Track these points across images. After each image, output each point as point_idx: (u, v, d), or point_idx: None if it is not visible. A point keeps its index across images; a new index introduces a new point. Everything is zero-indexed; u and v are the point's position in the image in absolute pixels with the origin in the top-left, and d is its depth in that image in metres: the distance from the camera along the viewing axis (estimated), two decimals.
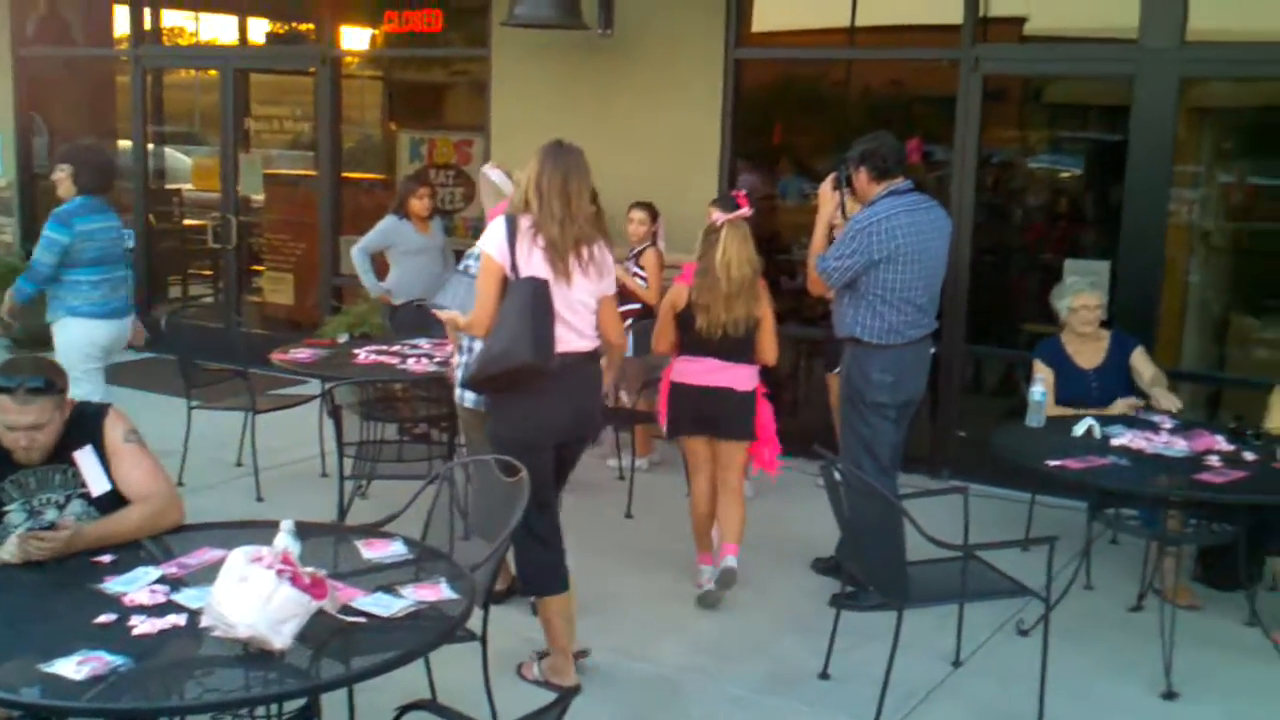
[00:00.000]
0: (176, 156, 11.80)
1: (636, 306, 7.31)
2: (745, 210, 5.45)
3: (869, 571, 4.70)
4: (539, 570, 4.65)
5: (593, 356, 4.56)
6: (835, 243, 5.31)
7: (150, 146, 10.92)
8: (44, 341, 10.36)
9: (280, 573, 2.99)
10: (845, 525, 4.57)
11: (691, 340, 5.48)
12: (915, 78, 8.01)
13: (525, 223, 4.38)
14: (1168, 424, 5.42)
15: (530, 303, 4.30)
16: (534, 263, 4.34)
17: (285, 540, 3.16)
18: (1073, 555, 5.55)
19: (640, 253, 7.34)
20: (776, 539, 6.29)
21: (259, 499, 6.78)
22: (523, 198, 4.44)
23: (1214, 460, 4.94)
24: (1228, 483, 4.69)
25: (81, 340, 6.56)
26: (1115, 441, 5.15)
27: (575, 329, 4.44)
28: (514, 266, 4.35)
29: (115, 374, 9.58)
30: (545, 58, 8.37)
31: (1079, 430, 5.27)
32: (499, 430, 4.50)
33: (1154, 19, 6.69)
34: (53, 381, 3.67)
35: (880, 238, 5.15)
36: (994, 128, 7.74)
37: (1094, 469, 4.82)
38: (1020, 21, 7.49)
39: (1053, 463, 4.86)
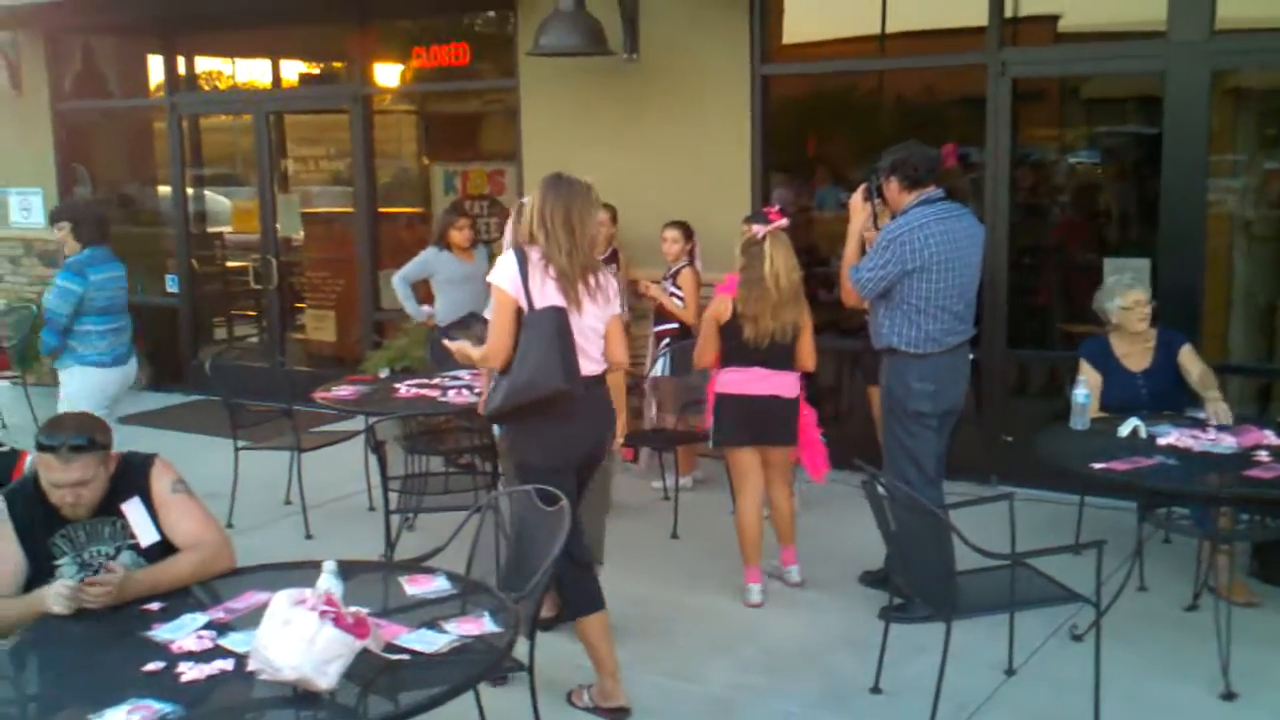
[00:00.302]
0: (217, 199, 11.98)
1: (674, 326, 7.33)
2: (783, 221, 5.62)
3: (916, 584, 4.67)
4: (575, 592, 4.69)
5: (602, 379, 4.67)
6: (868, 253, 5.30)
7: (190, 191, 11.08)
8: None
9: (323, 614, 3.02)
10: (890, 539, 4.55)
11: (736, 351, 5.62)
12: (946, 81, 7.99)
13: (535, 255, 4.47)
14: (1215, 420, 5.35)
15: (555, 331, 4.41)
16: (548, 293, 4.44)
17: (328, 581, 3.18)
18: (1125, 557, 5.49)
19: (677, 272, 7.35)
20: (824, 552, 6.27)
21: (308, 536, 6.84)
22: (528, 230, 4.53)
23: (1263, 455, 4.88)
24: (1277, 478, 4.62)
25: (93, 388, 6.77)
26: (1162, 441, 5.10)
27: (588, 355, 4.56)
28: (528, 298, 4.43)
29: (165, 419, 9.82)
30: (572, 85, 8.42)
31: (1124, 431, 5.22)
32: (527, 458, 4.57)
33: (1182, 11, 6.62)
34: (95, 439, 3.73)
35: (913, 247, 5.14)
36: (1028, 127, 7.73)
37: (1141, 470, 4.77)
38: (1048, 20, 7.46)
39: (1098, 465, 4.82)
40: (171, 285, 10.97)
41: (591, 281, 4.52)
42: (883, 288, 5.26)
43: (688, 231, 7.42)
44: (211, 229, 11.73)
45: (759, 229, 5.60)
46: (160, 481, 3.91)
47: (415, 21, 9.90)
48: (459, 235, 7.91)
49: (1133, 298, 5.84)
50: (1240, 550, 5.73)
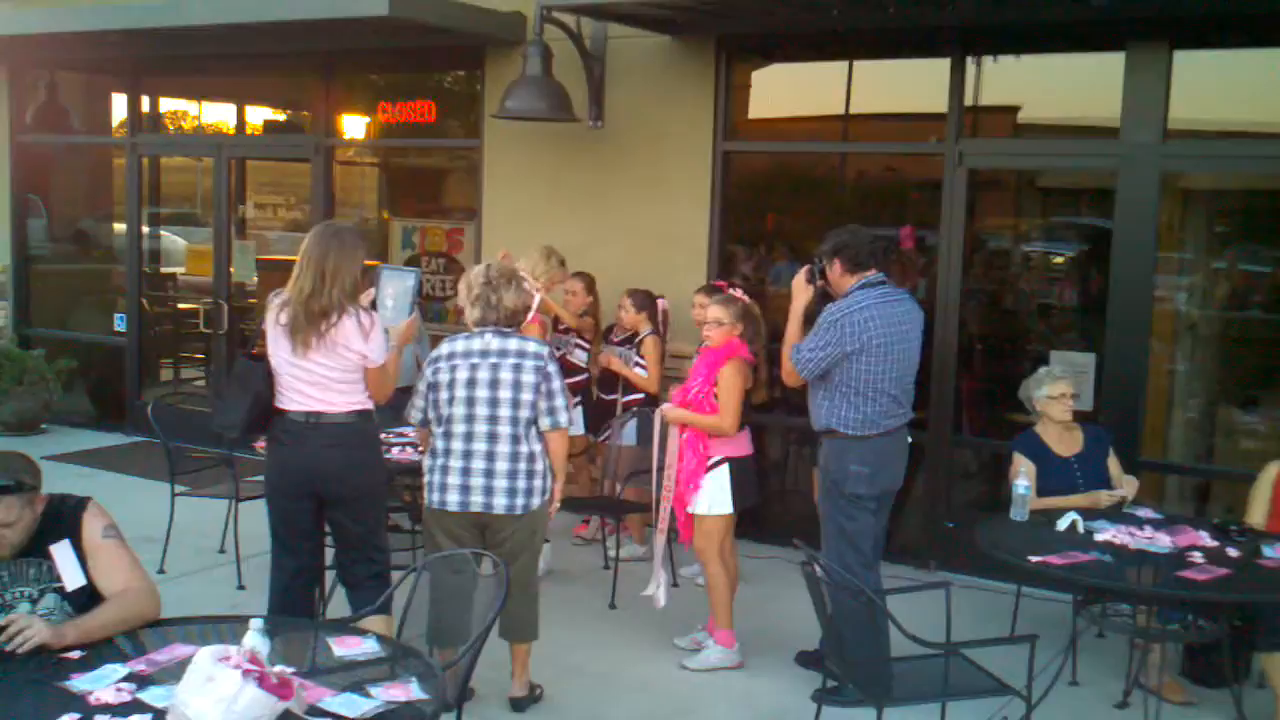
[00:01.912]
0: (173, 240, 11.90)
1: (639, 396, 7.31)
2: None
3: (849, 668, 4.65)
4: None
5: (351, 416, 4.99)
6: (810, 334, 5.35)
7: (146, 230, 11.00)
8: (32, 424, 10.51)
9: (247, 673, 2.97)
10: (825, 621, 4.53)
11: (746, 414, 5.84)
12: (907, 163, 8.10)
13: (277, 300, 4.99)
14: (1151, 518, 5.41)
15: (237, 375, 5.16)
16: (276, 336, 4.94)
17: (254, 639, 3.13)
18: (1059, 649, 5.50)
19: (640, 341, 7.34)
20: (761, 629, 6.24)
21: (240, 586, 6.73)
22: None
23: (1197, 557, 4.91)
24: (1210, 580, 4.66)
25: None
26: (1099, 537, 5.13)
27: (320, 393, 4.93)
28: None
29: (104, 459, 9.67)
30: (536, 148, 8.48)
31: (1063, 525, 5.26)
32: (266, 479, 5.19)
33: (1135, 112, 6.77)
34: (21, 481, 3.66)
35: (853, 329, 5.21)
36: (983, 214, 7.83)
37: (1077, 565, 4.80)
38: (1008, 110, 7.60)
39: (1035, 559, 4.84)
40: (119, 324, 10.83)
41: (323, 326, 4.82)
42: (822, 368, 5.31)
43: (651, 299, 7.41)
44: (166, 269, 11.65)
45: (741, 297, 5.94)
46: (92, 526, 3.83)
47: (382, 76, 9.96)
48: None
49: (1059, 389, 5.94)
50: (1174, 650, 5.77)
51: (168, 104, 11.25)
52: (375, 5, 7.54)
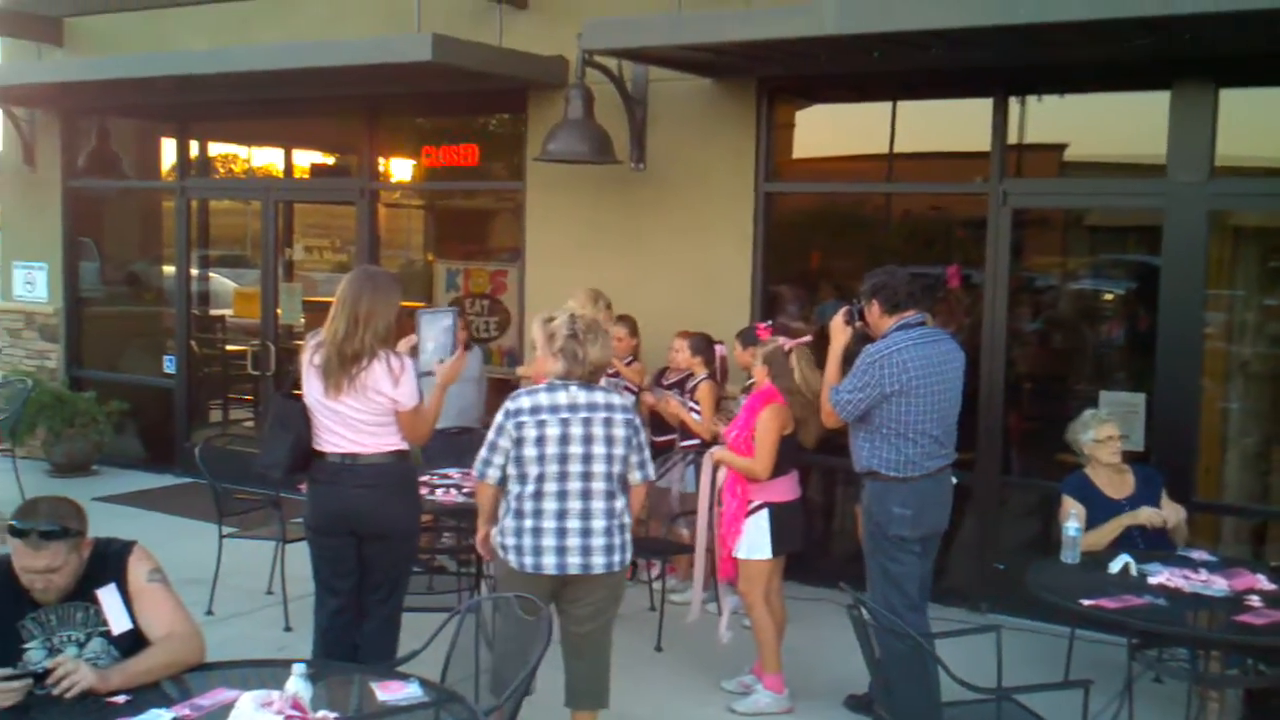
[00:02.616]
0: (222, 282, 12.03)
1: (695, 441, 7.24)
2: (807, 338, 5.93)
3: (898, 713, 4.58)
4: None
5: (388, 457, 5.05)
6: (848, 375, 5.33)
7: (195, 272, 11.16)
8: (83, 466, 10.63)
9: (289, 719, 2.96)
10: (874, 666, 4.47)
11: (785, 457, 5.76)
12: (952, 203, 8.06)
13: (313, 342, 5.05)
14: (1206, 560, 5.31)
15: (277, 417, 5.19)
16: (309, 378, 5.00)
17: (296, 684, 3.14)
18: (1116, 693, 5.40)
19: (695, 386, 7.30)
20: (809, 673, 6.17)
21: (287, 628, 6.75)
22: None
23: (1255, 600, 4.82)
24: (1268, 625, 4.57)
25: None
26: (1153, 580, 5.05)
27: (355, 434, 4.99)
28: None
29: (153, 500, 9.75)
30: (578, 191, 8.51)
31: (1115, 567, 5.18)
32: (306, 518, 5.23)
33: (1182, 150, 6.71)
34: (67, 526, 3.69)
35: (891, 370, 5.19)
36: (1030, 253, 7.78)
37: (1130, 608, 4.72)
38: (1054, 148, 7.56)
39: (1088, 602, 4.77)
40: (169, 366, 10.95)
41: (354, 370, 4.88)
42: (861, 410, 5.29)
43: (704, 342, 7.38)
44: (215, 311, 11.77)
45: (785, 341, 5.81)
46: (137, 569, 3.86)
47: (426, 120, 10.06)
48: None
49: (1105, 432, 5.87)
50: (1234, 695, 5.65)
51: (216, 148, 11.40)
52: (418, 51, 7.62)
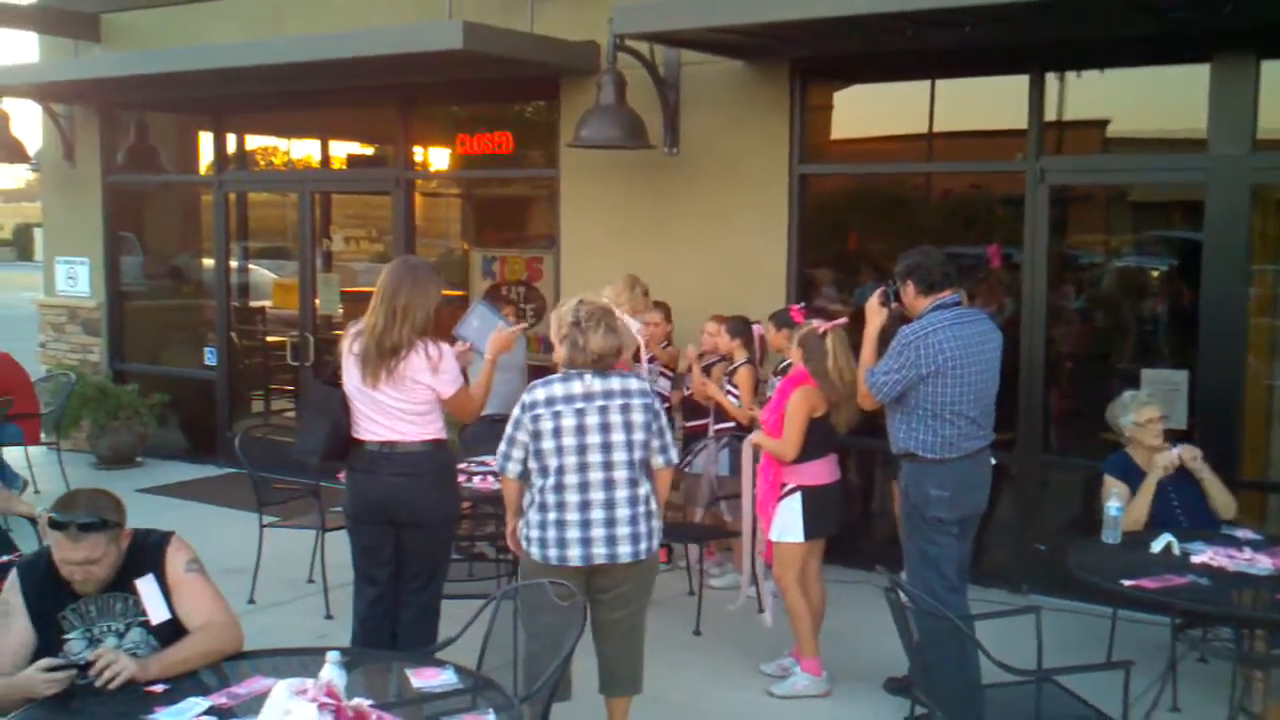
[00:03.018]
0: (263, 273, 12.11)
1: (730, 424, 7.23)
2: (843, 320, 5.84)
3: (938, 696, 4.55)
4: None
5: (427, 445, 5.11)
6: (884, 356, 5.29)
7: (235, 265, 11.25)
8: (128, 458, 10.74)
9: (323, 706, 2.98)
10: (911, 648, 4.44)
11: (820, 441, 5.70)
12: (992, 181, 7.96)
13: (354, 329, 5.12)
14: (1250, 538, 5.24)
15: (316, 403, 5.32)
16: (349, 366, 5.07)
17: (330, 671, 3.15)
18: (1160, 674, 5.35)
19: (735, 369, 7.25)
20: (849, 656, 6.16)
21: (328, 616, 6.79)
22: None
23: None
24: None
25: None
26: (1195, 559, 4.99)
27: (393, 422, 5.05)
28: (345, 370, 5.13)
29: (196, 490, 9.85)
30: (612, 176, 8.49)
31: (1157, 546, 5.12)
32: (345, 506, 5.28)
33: (1223, 124, 6.62)
34: (106, 518, 3.72)
35: (927, 351, 5.14)
36: (1071, 230, 7.69)
37: (1172, 588, 4.67)
38: (1097, 124, 7.46)
39: (1128, 582, 4.72)
40: (210, 358, 11.05)
41: (392, 362, 4.94)
42: (898, 391, 5.25)
43: (743, 325, 7.34)
44: (255, 303, 11.85)
45: (820, 324, 5.74)
46: (175, 560, 3.90)
47: (460, 108, 10.07)
48: None
49: (1146, 414, 5.79)
50: (1278, 675, 5.57)
51: (252, 143, 11.46)
52: (449, 39, 7.63)
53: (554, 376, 4.69)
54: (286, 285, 10.97)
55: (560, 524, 4.60)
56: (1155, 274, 7.85)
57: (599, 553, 4.59)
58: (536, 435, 4.60)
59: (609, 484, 4.60)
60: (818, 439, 5.69)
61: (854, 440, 7.38)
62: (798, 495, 5.69)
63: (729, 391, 7.19)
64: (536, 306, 9.35)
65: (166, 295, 12.08)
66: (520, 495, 4.77)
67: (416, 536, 5.16)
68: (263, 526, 7.15)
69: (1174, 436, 6.03)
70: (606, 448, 4.59)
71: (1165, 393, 6.80)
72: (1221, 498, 5.67)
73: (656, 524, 4.74)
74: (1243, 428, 6.82)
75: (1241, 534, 5.36)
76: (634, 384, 4.70)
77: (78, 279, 11.60)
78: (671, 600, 7.13)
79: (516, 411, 4.66)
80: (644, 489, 4.68)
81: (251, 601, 7.01)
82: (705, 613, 6.75)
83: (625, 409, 4.62)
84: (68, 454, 10.43)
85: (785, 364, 7.04)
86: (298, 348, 10.39)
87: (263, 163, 11.72)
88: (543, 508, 4.64)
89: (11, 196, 58.34)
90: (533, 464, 4.65)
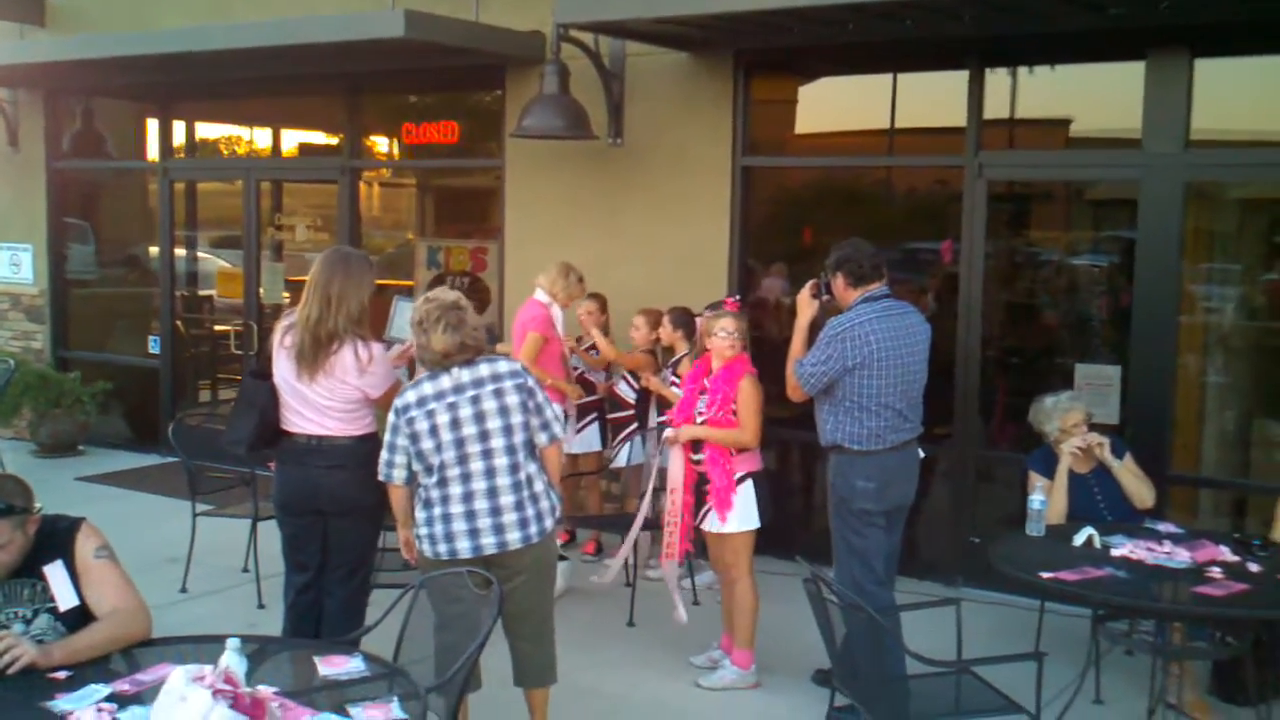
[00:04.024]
0: (217, 262, 12.00)
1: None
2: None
3: (859, 689, 4.57)
4: None
5: (351, 439, 5.09)
6: (812, 348, 5.30)
7: (183, 253, 11.16)
8: (69, 446, 10.63)
9: (219, 693, 2.96)
10: (829, 641, 4.45)
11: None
12: (934, 176, 7.97)
13: (286, 322, 5.13)
14: (1172, 532, 5.29)
15: (244, 395, 5.32)
16: (280, 360, 5.08)
17: (230, 658, 3.12)
18: (1089, 664, 5.40)
19: (678, 361, 7.18)
20: (780, 647, 6.17)
21: (260, 605, 6.75)
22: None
23: (1216, 572, 4.80)
24: (1228, 595, 4.55)
25: None
26: (1115, 552, 5.03)
27: (321, 417, 5.05)
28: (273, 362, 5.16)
29: (137, 480, 9.76)
30: (557, 167, 8.48)
31: (1079, 539, 5.16)
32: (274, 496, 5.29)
33: (1157, 121, 6.67)
34: (13, 504, 3.69)
35: (853, 343, 5.15)
36: (1009, 226, 7.73)
37: (1089, 580, 4.70)
38: (1031, 122, 7.50)
39: (1047, 575, 4.75)
40: (154, 346, 10.95)
41: (327, 352, 4.94)
42: (825, 383, 5.25)
43: (685, 316, 7.27)
44: (203, 292, 11.76)
45: (709, 313, 5.87)
46: (84, 546, 3.85)
47: (406, 97, 10.01)
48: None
49: (1071, 420, 5.81)
50: (1202, 667, 5.64)
51: (197, 130, 11.34)
52: (391, 27, 7.59)
53: (423, 376, 4.67)
54: (231, 274, 10.89)
55: (446, 518, 4.60)
56: (1094, 270, 7.91)
57: (488, 542, 4.58)
58: (414, 437, 4.58)
59: (490, 472, 4.59)
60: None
61: (793, 433, 7.44)
62: (749, 483, 5.68)
63: (671, 383, 7.19)
64: (480, 297, 9.31)
65: (114, 283, 11.97)
66: (409, 501, 4.77)
67: (343, 526, 5.16)
68: (196, 515, 7.10)
69: (1106, 430, 6.07)
70: (484, 436, 4.57)
71: (1098, 387, 6.87)
72: (1135, 488, 5.70)
73: (546, 504, 4.71)
74: (1173, 423, 6.88)
75: (1164, 528, 5.40)
76: (503, 366, 4.68)
77: (21, 265, 11.46)
78: (610, 592, 7.13)
79: (392, 418, 4.64)
80: (526, 472, 4.65)
81: (184, 590, 6.97)
82: (640, 604, 6.75)
83: (498, 393, 4.60)
84: (8, 442, 10.35)
85: (678, 357, 7.12)
86: (242, 336, 10.31)
87: (207, 152, 11.62)
88: (428, 504, 4.64)
89: None
90: (417, 465, 4.64)
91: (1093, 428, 5.91)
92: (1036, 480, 5.72)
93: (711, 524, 5.74)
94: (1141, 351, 6.78)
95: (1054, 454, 5.83)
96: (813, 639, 5.91)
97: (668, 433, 5.93)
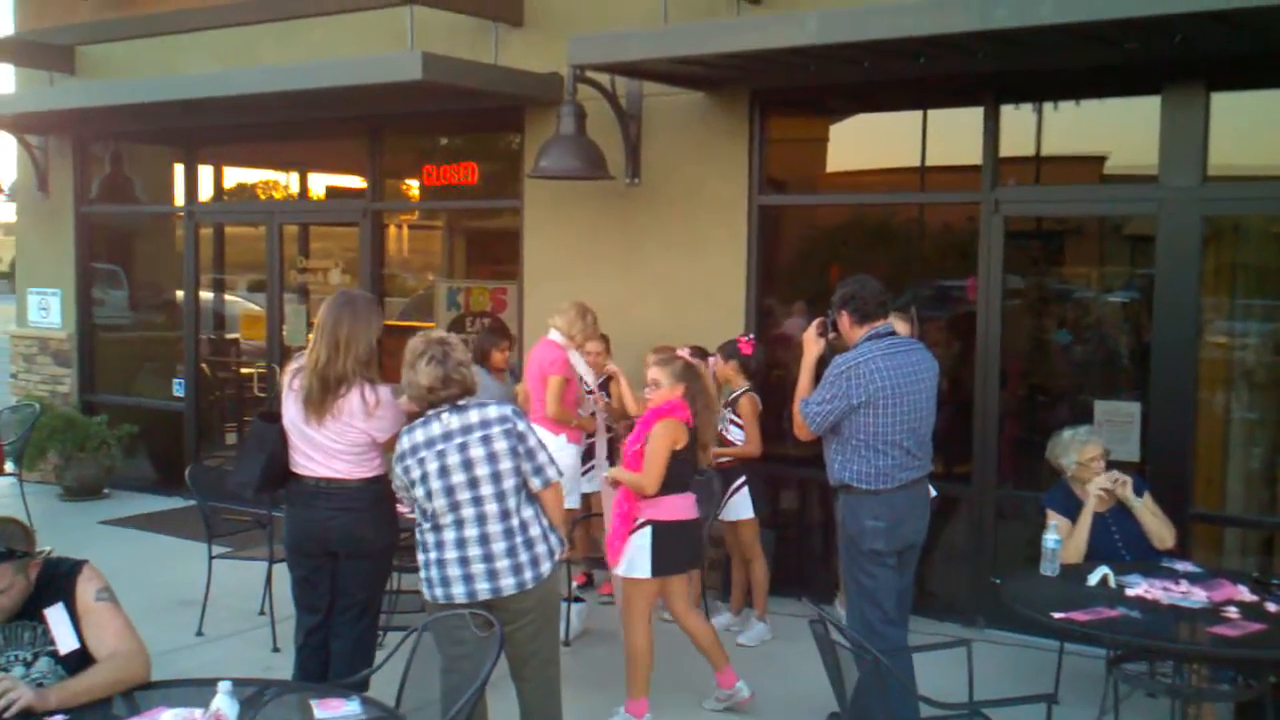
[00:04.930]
0: (245, 305, 12.08)
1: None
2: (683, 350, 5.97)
3: None
4: None
5: (360, 482, 5.08)
6: (818, 387, 5.26)
7: (210, 296, 11.26)
8: (94, 489, 10.70)
9: None
10: (838, 683, 4.39)
11: (681, 475, 5.57)
12: (954, 213, 7.92)
13: (294, 365, 5.14)
14: (1189, 571, 5.21)
15: (253, 437, 5.32)
16: (289, 403, 5.09)
17: (222, 701, 3.12)
18: (1104, 708, 5.30)
19: (736, 399, 7.04)
20: (793, 688, 6.11)
21: (275, 649, 6.74)
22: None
23: (1232, 612, 4.72)
24: (1243, 636, 4.47)
25: None
26: (1130, 591, 4.95)
27: (331, 460, 5.06)
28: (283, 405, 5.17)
29: (161, 523, 9.80)
30: (574, 207, 8.50)
31: (1094, 579, 5.08)
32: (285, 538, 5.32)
33: (1174, 156, 6.62)
34: (14, 549, 3.70)
35: (858, 381, 5.11)
36: (1028, 262, 7.68)
37: (1101, 621, 4.63)
38: (1045, 159, 7.47)
39: (1059, 615, 4.68)
40: (178, 389, 11.02)
41: (335, 396, 4.94)
42: (830, 422, 5.21)
43: (696, 355, 7.26)
44: (229, 335, 11.84)
45: (685, 352, 5.80)
46: (85, 589, 3.86)
47: (427, 140, 10.09)
48: (500, 356, 7.74)
49: (1088, 453, 5.75)
50: (1224, 710, 5.53)
51: (222, 175, 11.45)
52: (409, 70, 7.65)
53: (416, 422, 4.68)
54: (255, 316, 10.96)
55: (441, 563, 4.61)
56: (1114, 305, 7.84)
57: (482, 588, 4.56)
58: (410, 485, 4.61)
59: (481, 519, 4.57)
60: (676, 473, 5.53)
61: (804, 471, 7.41)
62: (648, 530, 5.52)
63: (732, 422, 7.12)
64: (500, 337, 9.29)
65: (141, 327, 12.07)
66: None
67: (352, 568, 5.17)
68: (212, 558, 7.11)
69: (1128, 468, 6.00)
70: (473, 484, 4.55)
71: (1118, 425, 6.79)
72: (1155, 528, 5.63)
73: (543, 548, 4.66)
74: (1194, 460, 6.79)
75: (1181, 567, 5.32)
76: (492, 412, 4.64)
77: (49, 310, 11.58)
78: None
79: (394, 464, 4.68)
80: (520, 518, 4.61)
81: (200, 634, 6.97)
82: (658, 645, 6.67)
83: (486, 440, 4.57)
84: (35, 485, 10.43)
85: (736, 395, 7.03)
86: (265, 379, 10.37)
87: (236, 194, 11.73)
88: (424, 548, 4.67)
89: (13, 230, 58.43)
90: (415, 509, 4.69)
91: (1112, 465, 5.85)
92: (1052, 519, 5.65)
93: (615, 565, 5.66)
94: (1161, 387, 6.70)
95: (1070, 492, 5.76)
96: (824, 680, 5.89)
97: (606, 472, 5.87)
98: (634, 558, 5.54)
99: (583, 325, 7.27)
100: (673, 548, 5.55)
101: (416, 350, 4.61)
